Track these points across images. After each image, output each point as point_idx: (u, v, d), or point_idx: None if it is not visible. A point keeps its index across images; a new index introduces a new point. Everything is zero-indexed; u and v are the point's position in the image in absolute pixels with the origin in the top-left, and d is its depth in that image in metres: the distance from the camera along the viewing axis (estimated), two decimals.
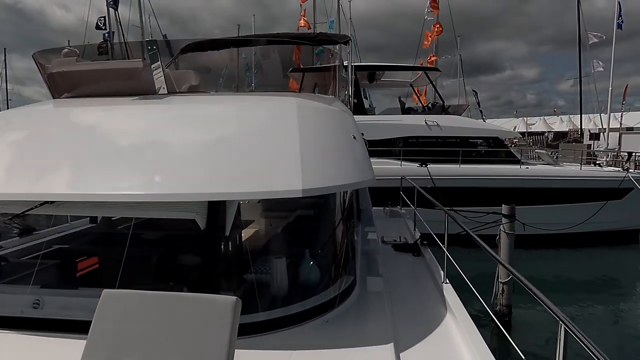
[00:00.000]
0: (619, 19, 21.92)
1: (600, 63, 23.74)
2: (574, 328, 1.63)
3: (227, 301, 1.69)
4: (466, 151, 11.55)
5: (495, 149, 12.19)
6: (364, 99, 15.01)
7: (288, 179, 2.21)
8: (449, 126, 11.97)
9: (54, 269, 3.07)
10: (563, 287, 8.90)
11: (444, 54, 29.85)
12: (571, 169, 12.25)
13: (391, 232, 5.04)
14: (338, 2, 23.78)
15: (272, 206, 4.13)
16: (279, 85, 5.85)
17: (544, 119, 44.18)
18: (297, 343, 2.24)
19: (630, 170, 12.27)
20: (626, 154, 15.87)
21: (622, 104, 28.78)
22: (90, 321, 1.71)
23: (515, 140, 21.57)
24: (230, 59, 5.39)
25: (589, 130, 27.85)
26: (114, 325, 1.68)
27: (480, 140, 12.38)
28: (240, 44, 5.53)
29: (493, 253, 2.67)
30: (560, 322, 1.70)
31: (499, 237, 7.28)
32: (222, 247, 2.42)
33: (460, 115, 13.29)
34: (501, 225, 7.25)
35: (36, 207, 2.42)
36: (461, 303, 2.76)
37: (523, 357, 2.15)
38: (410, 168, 11.03)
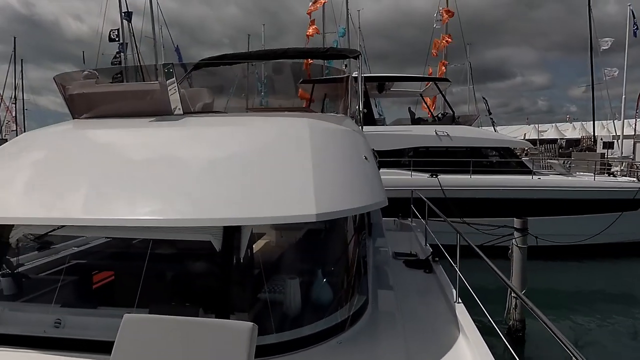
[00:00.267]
0: (634, 27, 21.76)
1: (615, 69, 23.54)
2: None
3: (244, 327, 1.74)
4: (477, 161, 11.49)
5: (506, 159, 12.12)
6: (373, 108, 15.06)
7: (302, 203, 2.27)
8: (459, 136, 11.91)
9: (72, 286, 3.16)
10: (580, 300, 8.72)
11: (453, 61, 29.88)
12: (585, 180, 12.08)
13: (402, 245, 5.04)
14: (347, 13, 24.04)
15: (284, 224, 4.17)
16: (289, 99, 5.95)
17: (556, 125, 43.59)
18: None
19: None
20: None
21: (636, 111, 28.29)
22: (110, 341, 1.76)
23: (527, 149, 21.36)
24: (242, 74, 5.51)
25: (602, 139, 27.43)
26: (135, 350, 1.74)
27: (491, 151, 12.31)
28: (252, 59, 5.65)
29: (501, 274, 2.70)
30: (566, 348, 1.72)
31: (512, 251, 7.21)
32: (237, 268, 2.47)
33: (470, 125, 13.25)
34: (513, 239, 7.18)
35: (57, 228, 2.52)
36: (474, 324, 2.75)
37: None
38: (421, 178, 10.99)
